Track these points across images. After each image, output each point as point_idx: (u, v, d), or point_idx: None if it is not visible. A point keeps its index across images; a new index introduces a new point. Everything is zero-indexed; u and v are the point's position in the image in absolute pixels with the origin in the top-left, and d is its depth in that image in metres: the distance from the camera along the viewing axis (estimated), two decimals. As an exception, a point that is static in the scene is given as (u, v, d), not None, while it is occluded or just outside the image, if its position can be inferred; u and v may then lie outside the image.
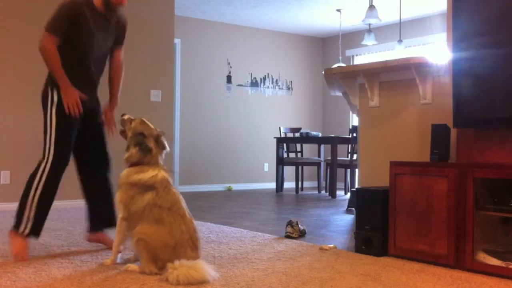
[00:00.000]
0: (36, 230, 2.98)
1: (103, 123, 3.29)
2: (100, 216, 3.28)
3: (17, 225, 2.95)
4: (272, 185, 8.60)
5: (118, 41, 3.32)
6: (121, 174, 2.84)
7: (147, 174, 2.75)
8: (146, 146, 2.80)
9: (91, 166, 3.28)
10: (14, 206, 5.19)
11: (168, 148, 2.93)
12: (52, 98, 3.05)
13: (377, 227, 3.16)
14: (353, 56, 8.98)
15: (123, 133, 2.94)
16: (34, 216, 2.95)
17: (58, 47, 3.00)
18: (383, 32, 8.32)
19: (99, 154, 3.29)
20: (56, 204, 5.37)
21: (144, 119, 2.94)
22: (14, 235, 2.96)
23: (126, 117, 2.94)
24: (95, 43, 3.12)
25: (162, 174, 2.78)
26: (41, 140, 3.00)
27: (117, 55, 3.36)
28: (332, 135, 7.73)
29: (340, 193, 7.62)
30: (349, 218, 4.93)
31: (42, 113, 3.10)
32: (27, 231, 2.94)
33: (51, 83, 3.07)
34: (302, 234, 3.80)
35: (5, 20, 5.31)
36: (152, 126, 2.90)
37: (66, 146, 3.07)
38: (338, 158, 7.18)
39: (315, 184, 8.83)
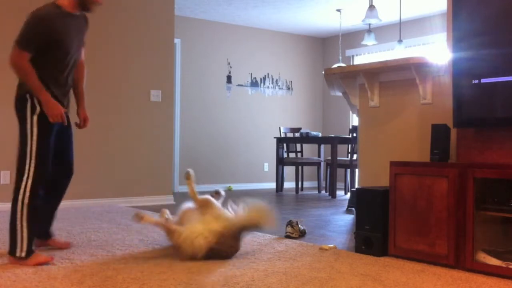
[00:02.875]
0: (30, 249, 2.83)
1: (71, 132, 3.19)
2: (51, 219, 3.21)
3: (13, 251, 2.80)
4: (272, 185, 8.60)
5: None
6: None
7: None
8: None
9: (54, 170, 3.07)
10: (14, 206, 5.23)
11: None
12: (33, 105, 2.89)
13: (377, 227, 3.16)
14: (353, 56, 8.98)
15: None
16: (27, 237, 2.80)
17: (33, 58, 2.87)
18: (383, 32, 8.32)
19: (66, 161, 3.16)
20: (56, 204, 5.41)
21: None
22: (13, 261, 2.81)
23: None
24: (71, 48, 2.99)
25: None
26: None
27: (81, 54, 3.22)
28: (332, 135, 7.73)
29: (340, 193, 7.62)
30: (349, 218, 4.93)
31: (18, 122, 2.92)
32: (23, 254, 2.79)
33: (30, 90, 2.89)
34: (302, 234, 3.80)
35: (5, 21, 5.31)
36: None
37: (48, 158, 2.92)
38: (338, 158, 7.18)
39: (315, 184, 8.83)
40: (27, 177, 2.85)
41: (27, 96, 2.91)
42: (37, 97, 2.88)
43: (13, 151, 5.28)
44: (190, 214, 3.06)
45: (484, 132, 3.04)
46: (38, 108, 2.89)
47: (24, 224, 2.81)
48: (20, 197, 2.83)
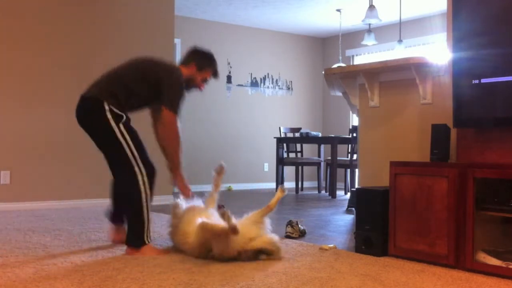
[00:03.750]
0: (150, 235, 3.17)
1: None
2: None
3: (141, 240, 3.08)
4: (272, 185, 8.60)
5: None
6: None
7: None
8: None
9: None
10: (14, 206, 5.25)
11: None
12: (115, 114, 3.06)
13: (377, 227, 3.16)
14: (353, 56, 8.98)
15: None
16: (148, 226, 3.11)
17: (139, 89, 3.18)
18: (383, 32, 8.32)
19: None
20: (56, 204, 5.42)
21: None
22: (141, 248, 3.07)
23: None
24: None
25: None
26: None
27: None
28: (332, 135, 7.73)
29: (340, 193, 7.62)
30: (349, 218, 4.93)
31: (102, 133, 3.09)
32: (149, 239, 3.12)
33: (106, 98, 3.05)
34: (302, 234, 3.80)
35: (3, 22, 5.31)
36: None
37: (147, 153, 3.18)
38: (338, 158, 7.18)
39: (315, 184, 8.83)
40: (142, 176, 3.07)
41: (105, 104, 3.06)
42: (176, 170, 3.24)
43: (13, 151, 5.32)
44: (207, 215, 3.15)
45: (484, 132, 3.04)
46: (124, 117, 3.10)
47: (148, 218, 3.09)
48: (143, 195, 3.05)
